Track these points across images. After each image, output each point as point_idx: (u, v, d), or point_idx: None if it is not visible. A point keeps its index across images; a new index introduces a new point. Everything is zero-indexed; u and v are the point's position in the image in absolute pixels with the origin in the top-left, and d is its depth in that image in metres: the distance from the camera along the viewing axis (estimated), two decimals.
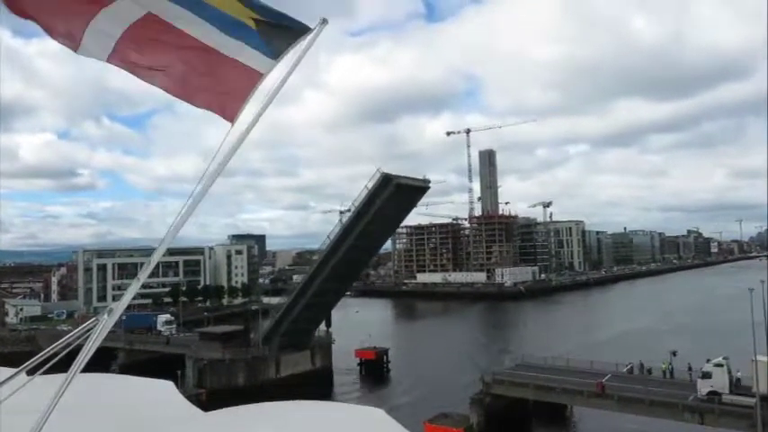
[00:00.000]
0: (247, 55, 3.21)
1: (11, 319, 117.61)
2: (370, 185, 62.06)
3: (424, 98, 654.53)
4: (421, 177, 68.39)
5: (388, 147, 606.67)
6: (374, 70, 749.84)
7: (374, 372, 70.43)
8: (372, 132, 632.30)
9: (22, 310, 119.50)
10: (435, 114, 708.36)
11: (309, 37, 3.26)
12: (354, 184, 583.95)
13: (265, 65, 3.23)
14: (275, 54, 3.22)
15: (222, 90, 3.22)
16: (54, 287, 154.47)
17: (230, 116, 3.17)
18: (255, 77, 3.21)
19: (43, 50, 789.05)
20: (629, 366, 50.31)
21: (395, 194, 61.84)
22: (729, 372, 40.99)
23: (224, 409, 5.16)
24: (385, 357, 73.04)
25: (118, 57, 3.17)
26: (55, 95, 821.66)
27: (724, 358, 41.87)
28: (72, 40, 3.09)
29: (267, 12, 3.20)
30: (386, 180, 61.43)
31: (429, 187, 69.64)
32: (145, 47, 3.15)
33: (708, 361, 42.37)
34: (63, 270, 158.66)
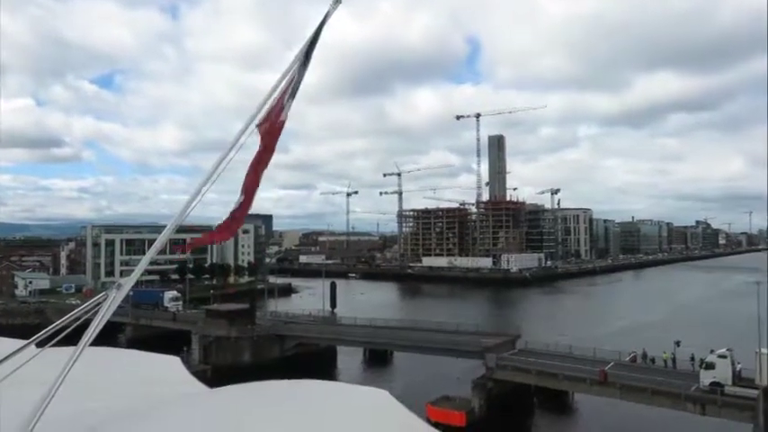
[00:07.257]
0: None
1: (20, 291, 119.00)
2: None
3: (417, 65, 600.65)
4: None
5: (379, 121, 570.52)
6: (356, 26, 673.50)
7: (378, 353, 70.84)
8: (362, 105, 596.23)
9: (31, 283, 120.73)
10: (430, 85, 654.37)
11: (322, 20, 3.26)
12: (351, 162, 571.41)
13: (301, 70, 3.27)
14: (309, 57, 3.27)
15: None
16: (63, 261, 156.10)
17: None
18: (291, 80, 3.24)
19: None
20: (632, 355, 50.39)
21: None
22: (732, 363, 40.97)
23: (229, 386, 5.22)
24: None
25: None
26: (14, 52, 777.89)
27: (727, 349, 41.82)
28: None
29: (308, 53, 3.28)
30: None
31: None
32: None
33: (711, 352, 42.35)
34: (72, 245, 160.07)
